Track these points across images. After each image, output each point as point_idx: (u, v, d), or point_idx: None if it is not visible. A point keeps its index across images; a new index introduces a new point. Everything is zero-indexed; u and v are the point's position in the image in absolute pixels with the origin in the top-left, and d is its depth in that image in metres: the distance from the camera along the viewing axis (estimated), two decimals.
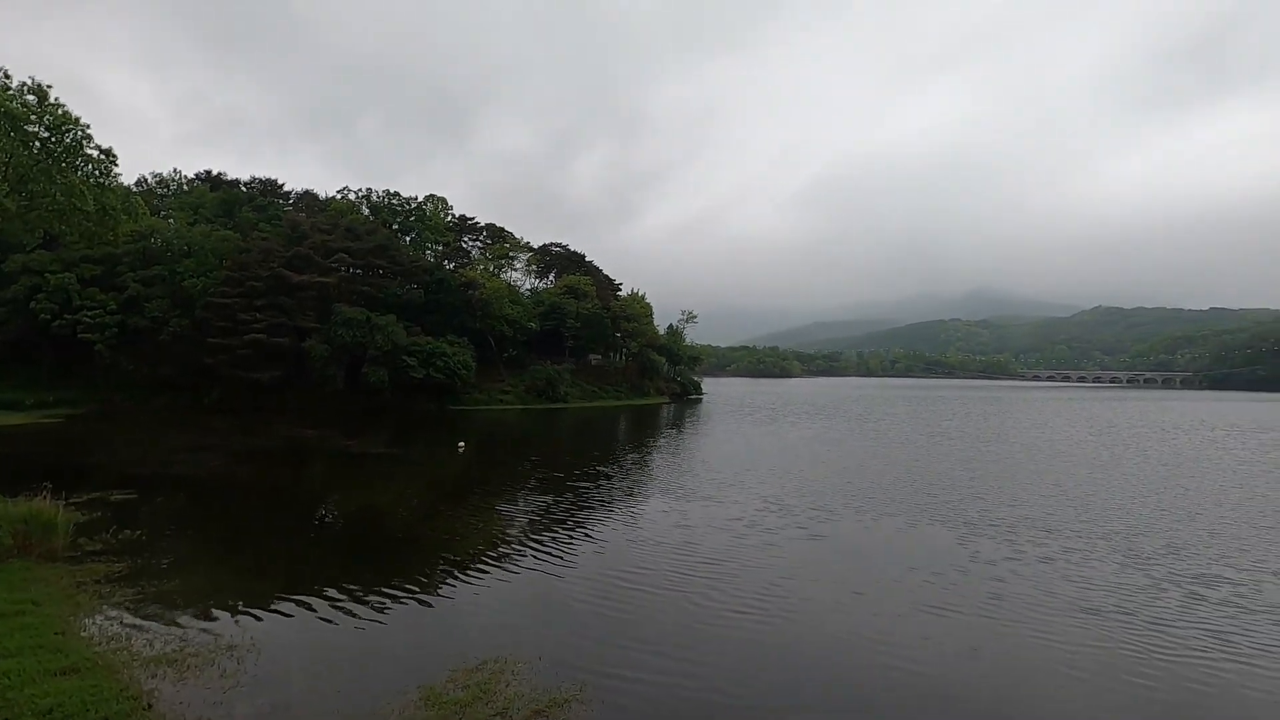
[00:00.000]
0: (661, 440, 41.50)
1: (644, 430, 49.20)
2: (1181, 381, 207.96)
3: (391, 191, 77.97)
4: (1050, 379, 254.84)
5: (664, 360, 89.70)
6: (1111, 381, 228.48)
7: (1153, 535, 18.12)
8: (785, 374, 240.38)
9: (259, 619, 11.71)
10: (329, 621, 11.80)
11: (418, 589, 13.45)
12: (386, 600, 12.81)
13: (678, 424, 53.48)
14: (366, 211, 75.85)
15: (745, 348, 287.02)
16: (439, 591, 13.45)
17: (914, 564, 15.31)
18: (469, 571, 14.63)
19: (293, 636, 11.14)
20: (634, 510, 20.52)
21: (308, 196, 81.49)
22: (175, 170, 79.99)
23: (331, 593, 13.04)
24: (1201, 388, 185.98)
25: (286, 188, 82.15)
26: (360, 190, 78.34)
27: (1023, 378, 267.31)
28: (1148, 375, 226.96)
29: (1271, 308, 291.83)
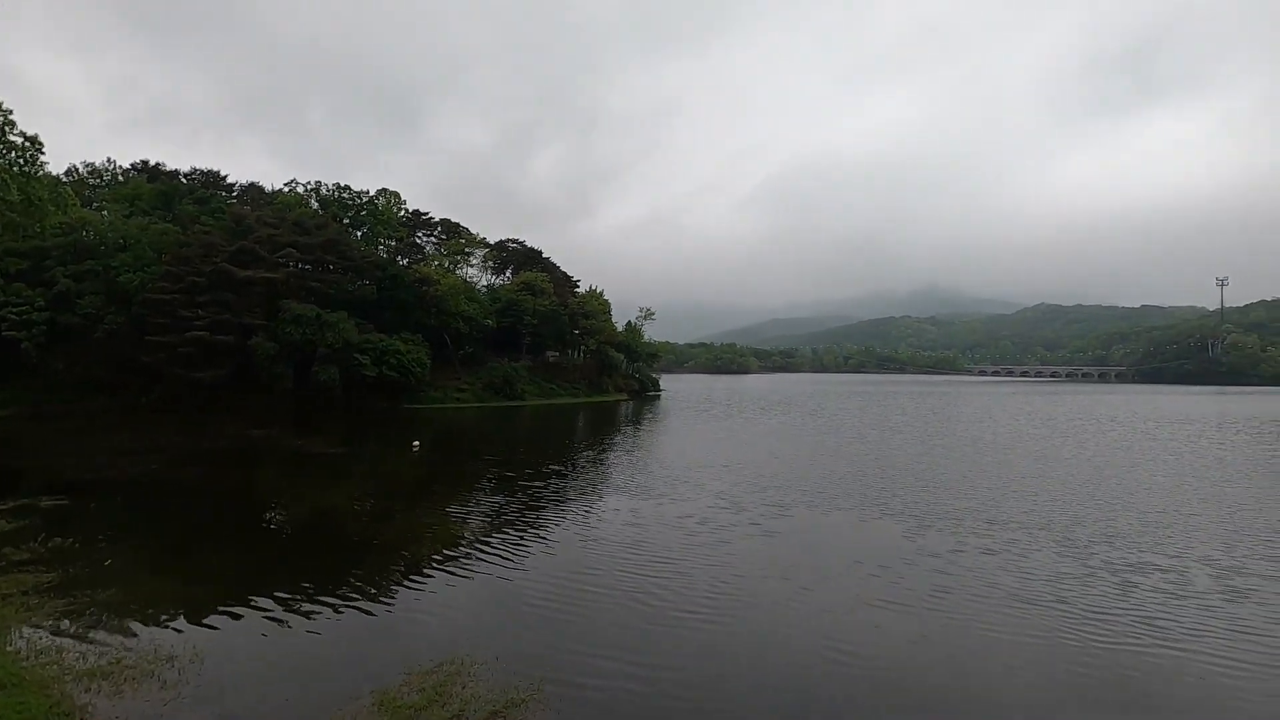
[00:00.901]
0: (618, 438, 41.54)
1: (601, 428, 49.16)
2: (1116, 376, 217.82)
3: (342, 185, 75.93)
4: (995, 374, 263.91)
5: (622, 357, 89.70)
6: (1052, 376, 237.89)
7: (1089, 525, 18.94)
8: (743, 370, 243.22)
9: (202, 627, 11.32)
10: (278, 627, 11.47)
11: (371, 592, 13.18)
12: (339, 604, 12.52)
13: (635, 421, 53.60)
14: (316, 205, 73.73)
15: (703, 344, 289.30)
16: (393, 594, 13.20)
17: (864, 557, 15.64)
18: (424, 573, 14.41)
19: (239, 644, 10.79)
20: (590, 509, 20.48)
21: (253, 189, 78.78)
22: (109, 160, 76.18)
23: (281, 598, 12.68)
24: (1134, 381, 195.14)
25: (230, 179, 79.28)
26: (309, 183, 76.13)
27: (969, 373, 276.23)
28: (1085, 370, 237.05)
29: (1196, 305, 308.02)
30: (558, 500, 21.67)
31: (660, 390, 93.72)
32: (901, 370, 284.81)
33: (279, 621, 11.70)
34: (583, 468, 28.36)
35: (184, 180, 75.14)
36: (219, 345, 51.60)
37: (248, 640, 10.98)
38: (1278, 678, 9.93)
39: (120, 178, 74.22)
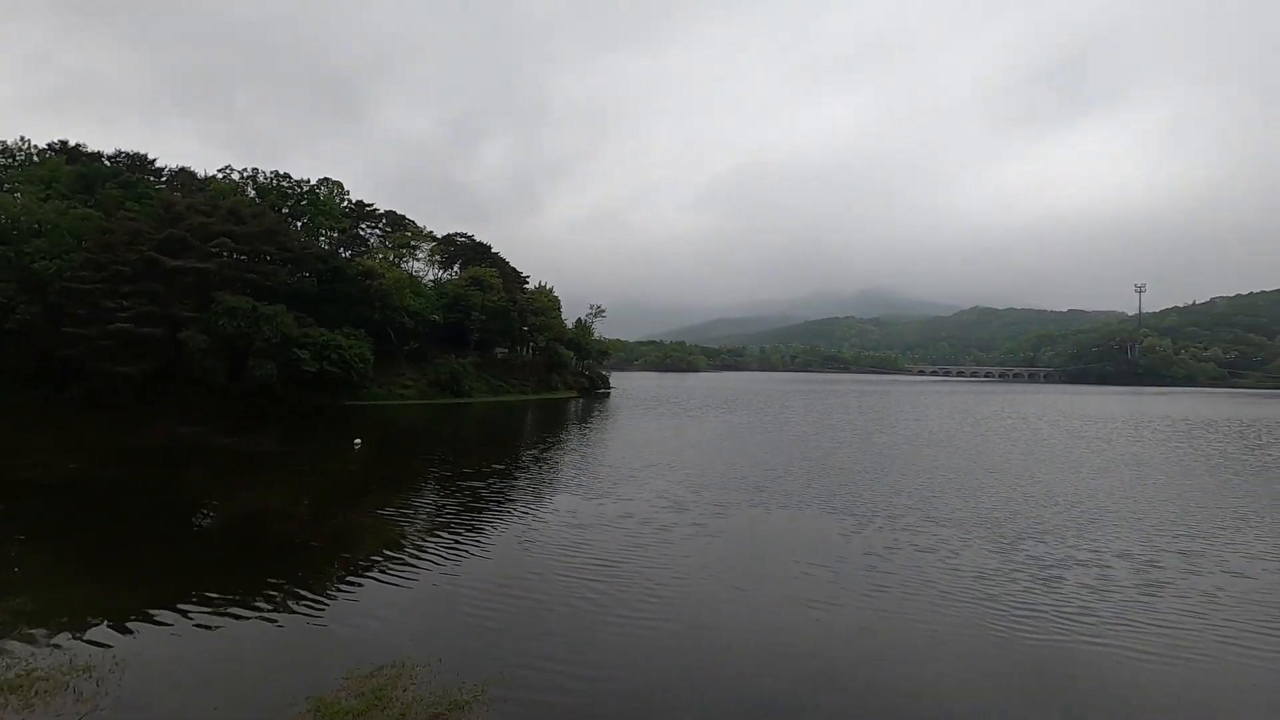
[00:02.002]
0: (565, 436, 41.36)
1: (549, 426, 48.86)
2: (1045, 376, 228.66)
3: (281, 173, 73.11)
4: (933, 374, 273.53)
5: (572, 354, 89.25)
6: (986, 377, 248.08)
7: (1019, 521, 19.78)
8: (691, 368, 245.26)
9: (124, 635, 10.77)
10: (208, 633, 11.01)
11: (309, 595, 12.77)
12: (274, 608, 12.10)
13: (584, 419, 53.46)
14: (253, 193, 70.77)
15: (653, 342, 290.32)
16: (332, 596, 12.84)
17: (805, 555, 15.90)
18: (365, 574, 14.06)
19: (164, 652, 10.31)
20: (534, 509, 20.31)
21: (184, 175, 75.07)
22: (22, 139, 71.04)
23: (211, 603, 12.17)
24: (1060, 382, 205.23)
25: (158, 164, 75.33)
26: (245, 170, 73.00)
27: (909, 372, 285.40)
28: (1016, 371, 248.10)
29: (1118, 310, 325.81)
30: (502, 500, 21.43)
31: (610, 388, 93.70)
32: (845, 370, 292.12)
33: (208, 627, 11.24)
34: (528, 467, 28.12)
35: (107, 163, 71.01)
36: (145, 338, 49.03)
37: (174, 648, 10.51)
38: (1191, 667, 10.58)
39: (35, 158, 69.58)
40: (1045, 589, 13.72)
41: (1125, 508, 21.47)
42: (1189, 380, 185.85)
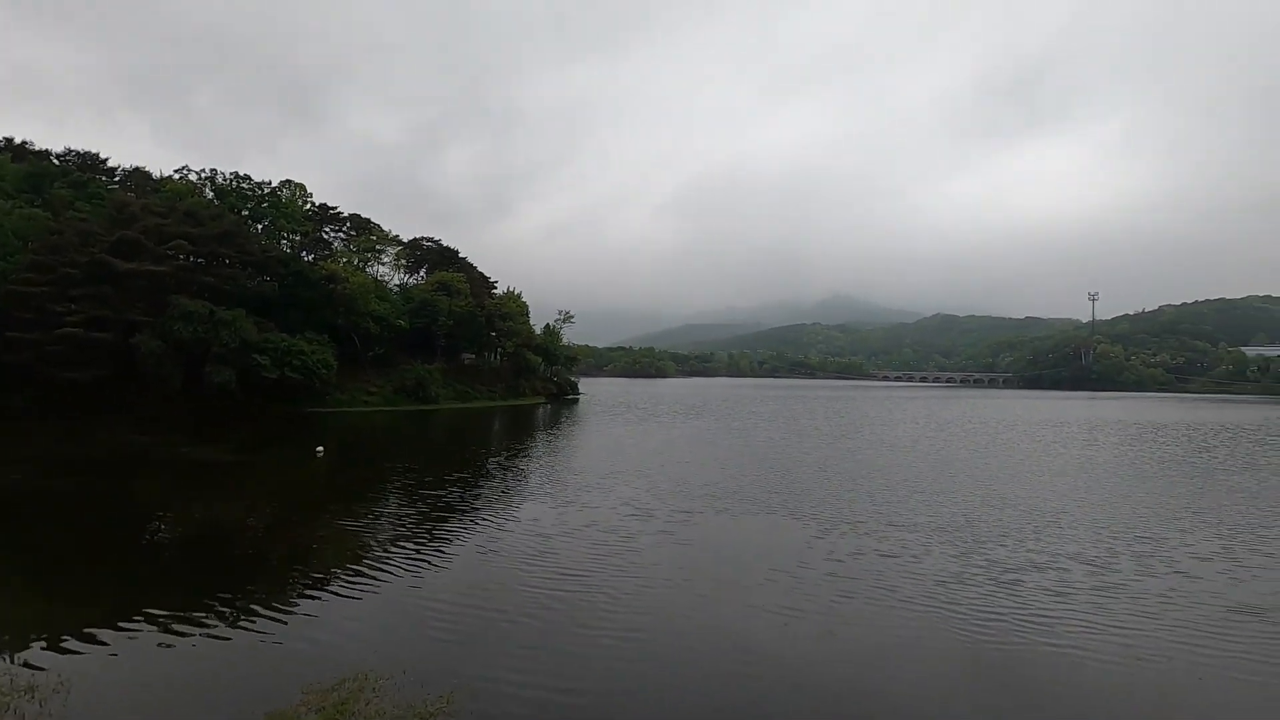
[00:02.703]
0: (533, 443, 41.09)
1: (517, 432, 48.48)
2: (1004, 381, 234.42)
3: (241, 174, 71.29)
4: (898, 379, 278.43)
5: (540, 360, 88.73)
6: (948, 382, 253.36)
7: (981, 525, 20.17)
8: (661, 374, 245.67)
9: (71, 654, 10.34)
10: (160, 650, 10.64)
11: (266, 609, 12.43)
12: (229, 623, 11.75)
13: (552, 425, 53.17)
14: (211, 195, 68.92)
15: (622, 348, 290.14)
16: (291, 610, 12.51)
17: (770, 562, 15.96)
18: (325, 587, 13.74)
19: (114, 671, 9.93)
20: (500, 517, 20.08)
21: (138, 175, 72.78)
22: None
23: (163, 619, 11.77)
24: (1018, 387, 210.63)
25: (111, 163, 72.98)
26: (203, 171, 70.97)
27: (874, 378, 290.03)
28: (976, 376, 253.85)
29: (1072, 318, 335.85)
30: (467, 508, 21.16)
31: (579, 393, 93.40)
32: (812, 375, 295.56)
33: (161, 644, 10.86)
34: (494, 474, 27.81)
35: (56, 161, 68.56)
36: (96, 343, 47.28)
37: (123, 667, 10.12)
38: (1145, 666, 10.91)
39: None
40: (1005, 592, 13.98)
41: (1081, 511, 22.07)
42: (1139, 385, 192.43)
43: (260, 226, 70.25)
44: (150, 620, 11.68)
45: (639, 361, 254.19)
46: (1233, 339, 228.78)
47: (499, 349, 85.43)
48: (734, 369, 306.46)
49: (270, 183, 72.27)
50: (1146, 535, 18.80)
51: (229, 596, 13.00)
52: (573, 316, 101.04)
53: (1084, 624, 12.32)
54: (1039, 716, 9.33)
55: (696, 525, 19.39)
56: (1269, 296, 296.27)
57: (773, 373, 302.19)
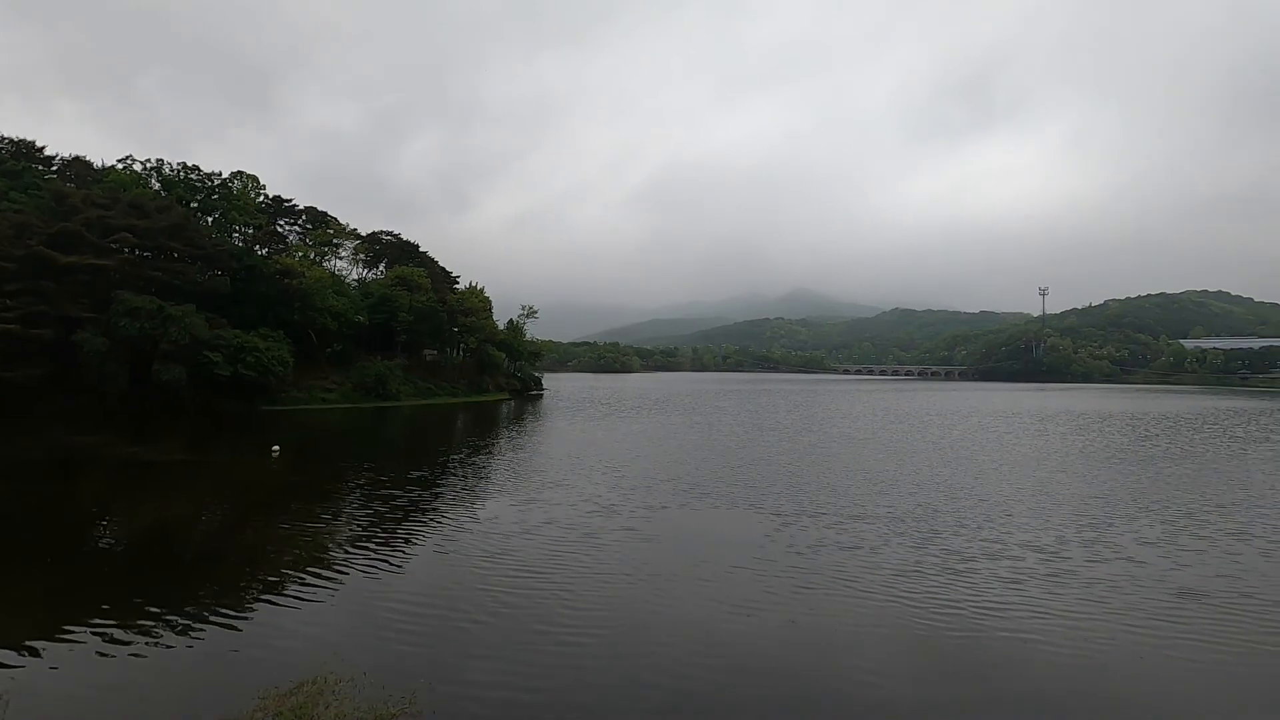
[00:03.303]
0: (496, 440, 40.72)
1: (480, 429, 47.98)
2: (959, 374, 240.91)
3: (190, 165, 68.75)
4: (858, 372, 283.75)
5: (504, 356, 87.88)
6: (906, 375, 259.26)
7: (940, 516, 20.68)
8: (626, 369, 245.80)
9: (6, 668, 9.87)
10: (103, 658, 10.24)
11: (220, 613, 12.08)
12: (181, 629, 11.38)
13: (515, 422, 52.76)
14: (158, 186, 66.34)
15: (587, 343, 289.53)
16: (247, 612, 12.18)
17: (734, 555, 16.09)
18: (282, 588, 13.41)
19: (55, 683, 9.53)
20: (462, 515, 19.86)
21: (78, 164, 69.47)
22: None
23: (110, 626, 11.34)
24: (973, 379, 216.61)
25: (48, 152, 69.56)
26: (149, 161, 68.12)
27: (835, 371, 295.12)
28: (934, 369, 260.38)
29: (1024, 312, 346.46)
30: (427, 507, 20.85)
31: (543, 389, 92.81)
32: (775, 369, 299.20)
33: (105, 652, 10.46)
34: (455, 472, 27.45)
35: None
36: (33, 341, 45.17)
37: (68, 675, 9.73)
38: (1092, 647, 11.34)
39: None
40: (961, 581, 14.32)
41: (1033, 501, 22.78)
42: (1086, 377, 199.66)
43: (211, 219, 67.97)
44: (94, 629, 11.24)
45: (604, 356, 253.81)
46: (1173, 332, 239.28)
47: (461, 345, 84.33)
48: (698, 364, 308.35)
49: (221, 174, 69.99)
50: (1095, 522, 19.50)
51: (179, 601, 12.58)
52: (537, 312, 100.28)
53: (1035, 610, 12.73)
54: (990, 695, 9.65)
55: (660, 521, 19.41)
56: (1205, 291, 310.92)
57: (737, 367, 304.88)
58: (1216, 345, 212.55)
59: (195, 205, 66.91)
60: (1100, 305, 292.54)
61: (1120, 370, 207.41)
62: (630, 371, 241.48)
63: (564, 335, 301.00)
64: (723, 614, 12.43)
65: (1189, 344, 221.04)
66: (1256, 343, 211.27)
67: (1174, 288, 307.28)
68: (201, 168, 69.03)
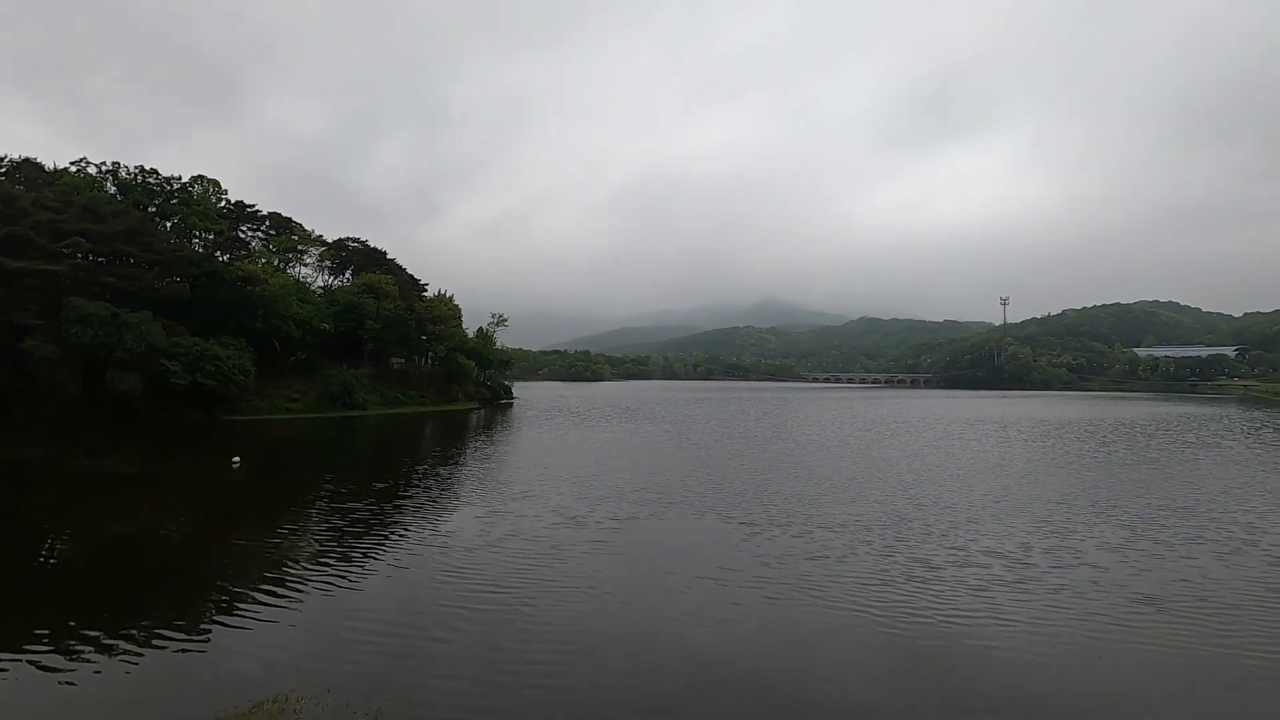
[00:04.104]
0: (464, 449, 40.24)
1: (448, 439, 47.36)
2: (925, 382, 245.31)
3: (147, 168, 66.90)
4: (827, 380, 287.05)
5: (473, 364, 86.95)
6: (874, 382, 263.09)
7: (901, 524, 20.96)
8: (597, 377, 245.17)
9: None
10: (52, 678, 9.81)
11: (176, 630, 11.68)
12: (135, 647, 10.97)
13: (484, 431, 52.21)
14: (113, 189, 64.40)
15: (557, 351, 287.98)
16: (206, 629, 11.81)
17: (702, 564, 16.11)
18: (243, 604, 13.01)
19: (2, 704, 9.07)
20: (427, 529, 19.46)
21: (28, 166, 67.04)
22: None
23: (64, 644, 10.89)
24: (938, 387, 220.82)
25: None
26: (105, 164, 66.09)
27: (804, 379, 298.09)
28: (900, 377, 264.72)
29: (986, 321, 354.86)
30: (390, 520, 20.44)
31: (513, 398, 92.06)
32: (745, 377, 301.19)
33: (55, 670, 10.03)
34: (420, 484, 26.93)
35: None
36: None
37: (14, 697, 9.28)
38: (1052, 652, 11.60)
39: None
40: (927, 590, 14.46)
41: (997, 508, 23.20)
42: (1046, 384, 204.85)
43: (170, 224, 66.18)
44: (45, 647, 10.77)
45: (574, 365, 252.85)
46: (1126, 341, 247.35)
47: (430, 353, 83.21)
48: (669, 372, 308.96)
49: (180, 178, 68.23)
50: (1057, 530, 19.86)
51: (132, 620, 12.14)
52: (506, 320, 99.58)
53: (998, 616, 12.93)
54: (952, 697, 9.81)
55: (627, 531, 19.25)
56: (1157, 302, 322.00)
57: (707, 375, 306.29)
58: (1168, 354, 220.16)
59: (153, 210, 65.10)
60: (1058, 314, 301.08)
61: (1078, 378, 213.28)
62: (601, 380, 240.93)
63: (534, 343, 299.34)
64: (690, 626, 12.39)
65: (1142, 352, 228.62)
66: (1204, 351, 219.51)
67: (1128, 298, 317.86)
68: (160, 171, 67.26)
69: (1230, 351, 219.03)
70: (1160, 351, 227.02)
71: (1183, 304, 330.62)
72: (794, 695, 9.91)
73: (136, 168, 66.71)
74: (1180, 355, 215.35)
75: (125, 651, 10.83)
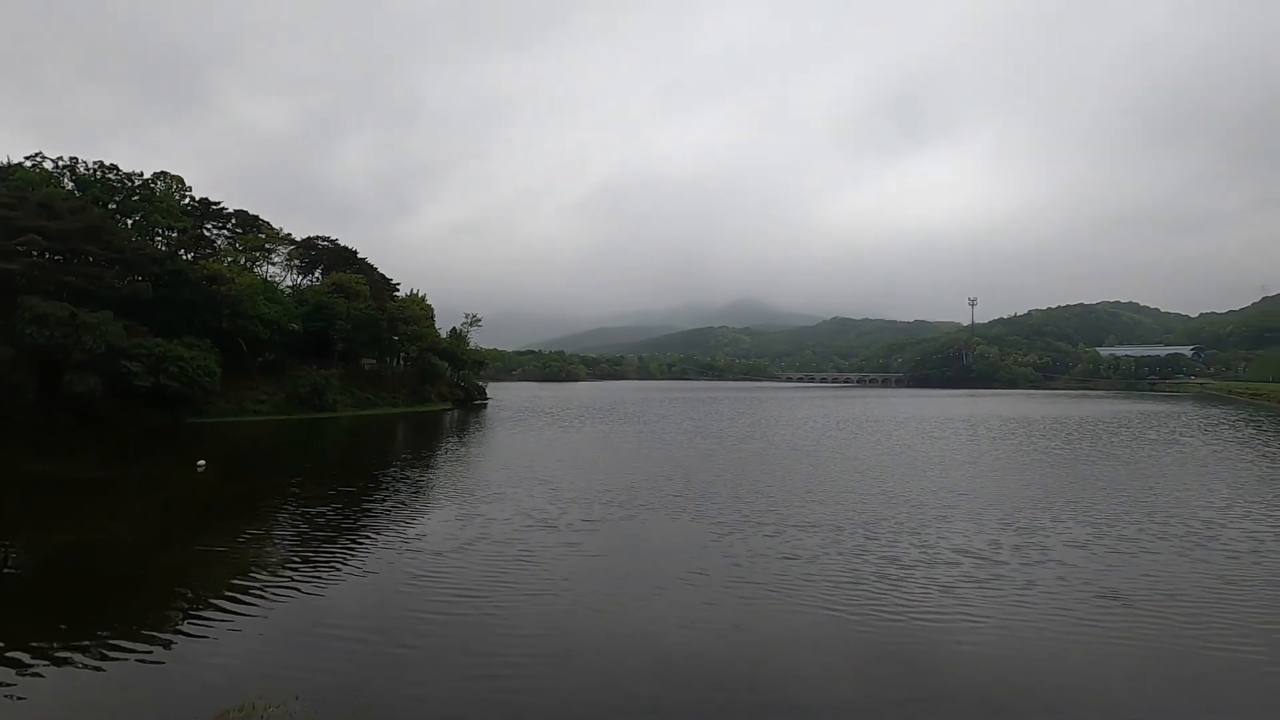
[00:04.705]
0: (436, 451, 39.82)
1: (419, 441, 46.81)
2: (896, 381, 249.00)
3: (107, 164, 65.00)
4: (800, 380, 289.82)
5: (446, 365, 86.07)
6: (846, 382, 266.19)
7: (876, 523, 21.13)
8: (572, 377, 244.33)
9: None
10: (10, 691, 9.45)
11: (140, 638, 11.35)
12: (97, 657, 10.63)
13: (457, 432, 51.69)
14: (71, 185, 62.45)
15: (532, 352, 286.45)
16: (169, 638, 11.48)
17: (676, 566, 16.03)
18: (207, 612, 12.68)
19: None
20: (395, 532, 19.09)
21: None
22: None
23: (16, 657, 10.49)
24: (909, 386, 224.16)
25: None
26: (62, 159, 64.09)
27: (778, 379, 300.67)
28: (871, 376, 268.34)
29: (955, 321, 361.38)
30: (359, 524, 20.07)
31: (487, 399, 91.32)
32: (720, 377, 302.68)
33: (6, 685, 9.66)
34: (391, 486, 26.44)
35: None
36: None
37: None
38: (1026, 644, 11.80)
39: None
40: (898, 589, 14.51)
41: (966, 505, 23.51)
42: (1012, 383, 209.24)
43: (131, 222, 64.39)
44: (1, 659, 10.34)
45: (549, 365, 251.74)
46: (1089, 340, 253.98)
47: (402, 354, 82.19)
48: (644, 372, 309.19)
49: (142, 174, 66.42)
50: (1025, 527, 20.13)
51: (92, 629, 11.76)
52: (480, 320, 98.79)
53: (968, 614, 13.05)
54: (923, 695, 9.94)
55: (600, 533, 19.09)
56: (1118, 302, 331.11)
57: (682, 375, 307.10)
58: (1128, 353, 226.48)
59: (113, 207, 63.29)
60: (1024, 315, 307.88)
61: (1043, 376, 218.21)
62: (576, 380, 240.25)
63: (509, 344, 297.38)
64: (663, 628, 12.36)
65: (1104, 351, 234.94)
66: (1163, 350, 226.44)
67: (1091, 298, 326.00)
68: (120, 167, 65.39)
69: (1187, 351, 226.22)
70: (1121, 351, 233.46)
71: (1142, 305, 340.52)
72: (768, 695, 9.95)
73: (96, 163, 64.82)
74: (1140, 354, 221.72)
75: (83, 664, 10.47)
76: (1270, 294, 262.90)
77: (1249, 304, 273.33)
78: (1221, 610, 13.27)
